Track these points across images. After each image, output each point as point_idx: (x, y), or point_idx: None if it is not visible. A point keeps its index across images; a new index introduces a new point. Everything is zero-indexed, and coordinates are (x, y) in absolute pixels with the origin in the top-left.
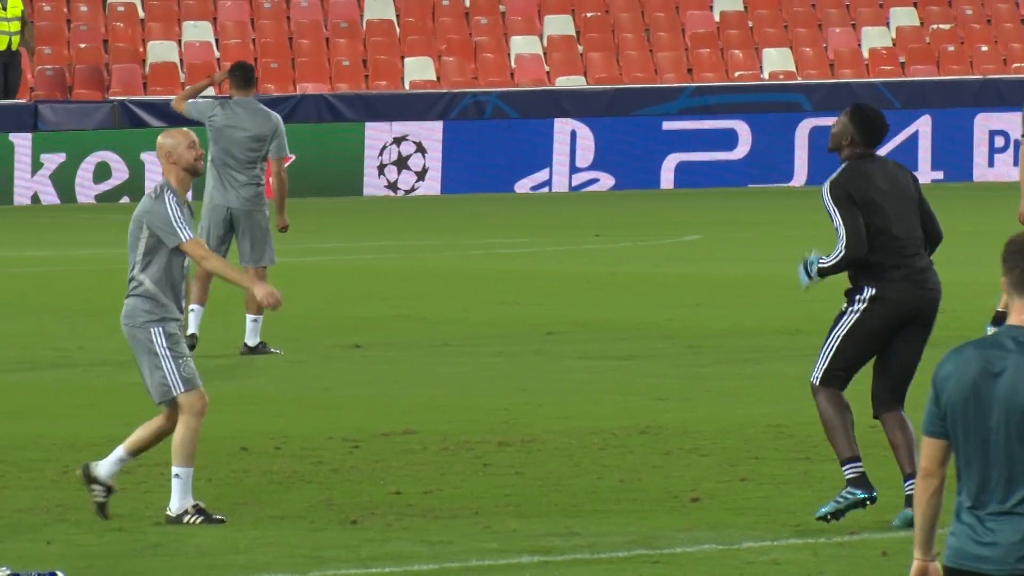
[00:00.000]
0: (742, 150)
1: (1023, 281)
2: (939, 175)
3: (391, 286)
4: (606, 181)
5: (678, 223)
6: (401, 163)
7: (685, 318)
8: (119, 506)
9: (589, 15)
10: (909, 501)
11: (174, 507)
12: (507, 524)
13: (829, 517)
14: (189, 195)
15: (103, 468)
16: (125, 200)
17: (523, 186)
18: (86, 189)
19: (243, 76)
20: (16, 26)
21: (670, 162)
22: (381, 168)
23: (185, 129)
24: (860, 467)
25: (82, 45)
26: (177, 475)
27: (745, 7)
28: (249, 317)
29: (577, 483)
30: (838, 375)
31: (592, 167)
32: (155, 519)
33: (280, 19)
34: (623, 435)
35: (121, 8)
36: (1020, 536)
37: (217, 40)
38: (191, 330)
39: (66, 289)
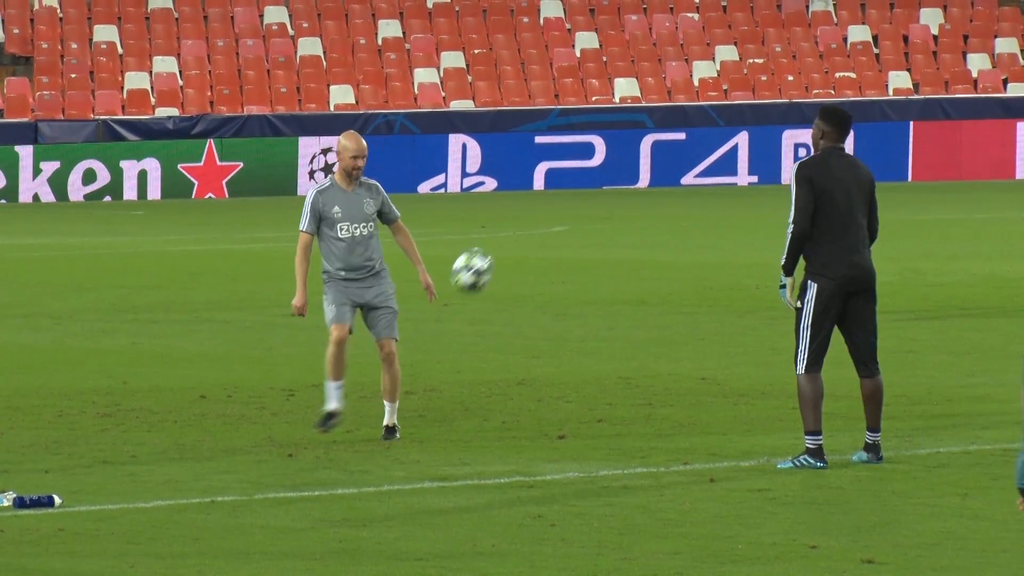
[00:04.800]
0: (598, 159)
1: None
2: (755, 179)
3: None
4: (490, 184)
5: (547, 217)
6: (327, 169)
7: (553, 293)
8: (104, 443)
9: (477, 51)
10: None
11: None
12: (412, 456)
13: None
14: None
15: (332, 404)
16: (108, 199)
17: (424, 188)
18: (76, 190)
19: None
20: None
21: (541, 168)
22: (311, 173)
23: (359, 137)
24: (820, 440)
25: (73, 75)
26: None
27: (600, 45)
28: None
29: (467, 424)
30: (813, 359)
31: (479, 172)
32: (131, 453)
33: (231, 55)
34: (504, 386)
35: (104, 46)
36: None
37: (180, 71)
38: None
39: (60, 269)
